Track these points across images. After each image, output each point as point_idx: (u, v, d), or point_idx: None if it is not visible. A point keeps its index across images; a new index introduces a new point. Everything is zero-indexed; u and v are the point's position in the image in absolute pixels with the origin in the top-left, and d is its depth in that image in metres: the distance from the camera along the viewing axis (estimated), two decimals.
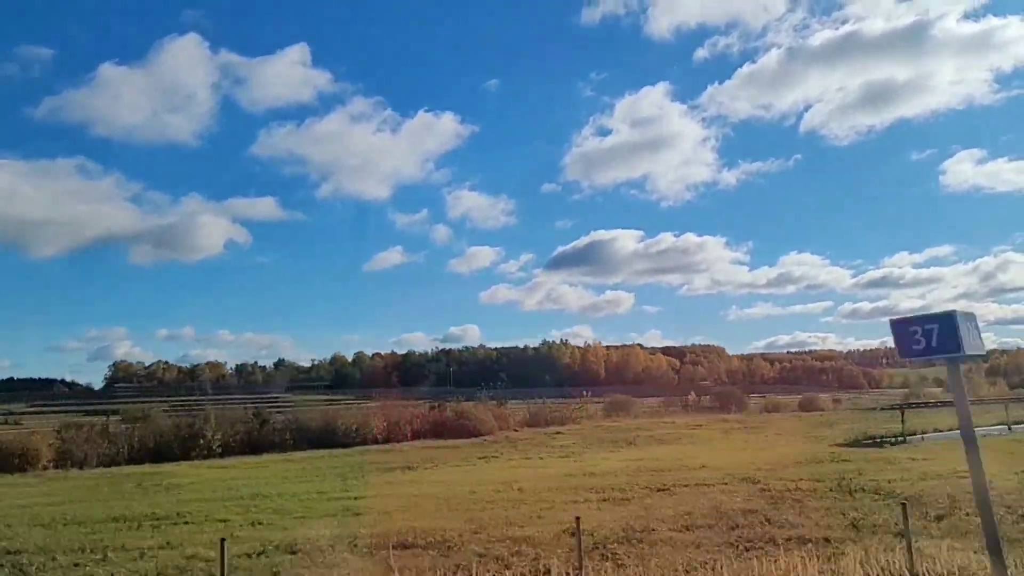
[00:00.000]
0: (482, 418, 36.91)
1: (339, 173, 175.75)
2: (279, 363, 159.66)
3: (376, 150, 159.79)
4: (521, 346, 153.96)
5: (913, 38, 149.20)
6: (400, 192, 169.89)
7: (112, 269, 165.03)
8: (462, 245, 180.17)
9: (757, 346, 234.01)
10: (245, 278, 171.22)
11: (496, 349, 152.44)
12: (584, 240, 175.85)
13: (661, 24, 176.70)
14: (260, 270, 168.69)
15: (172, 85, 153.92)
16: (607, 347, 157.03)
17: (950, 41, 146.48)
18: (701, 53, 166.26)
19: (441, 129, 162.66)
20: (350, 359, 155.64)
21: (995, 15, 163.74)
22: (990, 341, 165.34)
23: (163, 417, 33.15)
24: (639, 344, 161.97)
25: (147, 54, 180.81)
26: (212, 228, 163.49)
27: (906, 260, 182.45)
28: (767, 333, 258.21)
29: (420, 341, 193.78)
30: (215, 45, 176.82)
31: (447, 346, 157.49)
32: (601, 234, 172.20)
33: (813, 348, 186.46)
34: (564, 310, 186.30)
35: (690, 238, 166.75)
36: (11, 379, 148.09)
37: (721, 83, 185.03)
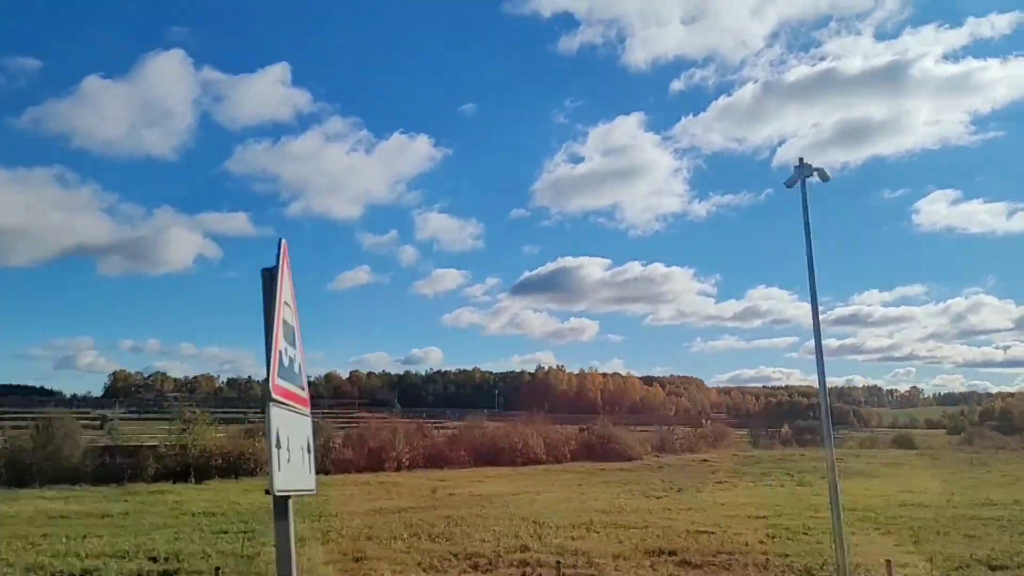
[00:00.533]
0: (629, 443, 36.99)
1: (310, 192, 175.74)
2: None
3: (349, 170, 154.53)
4: (518, 370, 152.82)
5: (891, 78, 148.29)
6: (370, 212, 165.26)
7: (82, 280, 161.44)
8: (429, 267, 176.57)
9: (720, 379, 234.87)
10: (213, 292, 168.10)
11: (492, 373, 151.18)
12: (551, 266, 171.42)
13: (638, 56, 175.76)
14: (228, 285, 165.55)
15: (153, 99, 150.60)
16: (603, 375, 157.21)
17: (928, 81, 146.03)
18: (677, 85, 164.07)
19: (415, 151, 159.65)
20: (345, 376, 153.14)
21: (974, 57, 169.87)
22: (959, 383, 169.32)
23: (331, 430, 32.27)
24: (619, 373, 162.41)
25: (132, 68, 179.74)
26: (183, 242, 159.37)
27: (876, 298, 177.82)
28: (731, 366, 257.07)
29: (382, 361, 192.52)
30: (199, 62, 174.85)
31: (412, 368, 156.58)
32: (568, 261, 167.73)
33: (777, 384, 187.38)
34: (527, 335, 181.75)
35: (657, 268, 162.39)
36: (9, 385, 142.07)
37: (696, 115, 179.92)
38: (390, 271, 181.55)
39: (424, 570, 9.59)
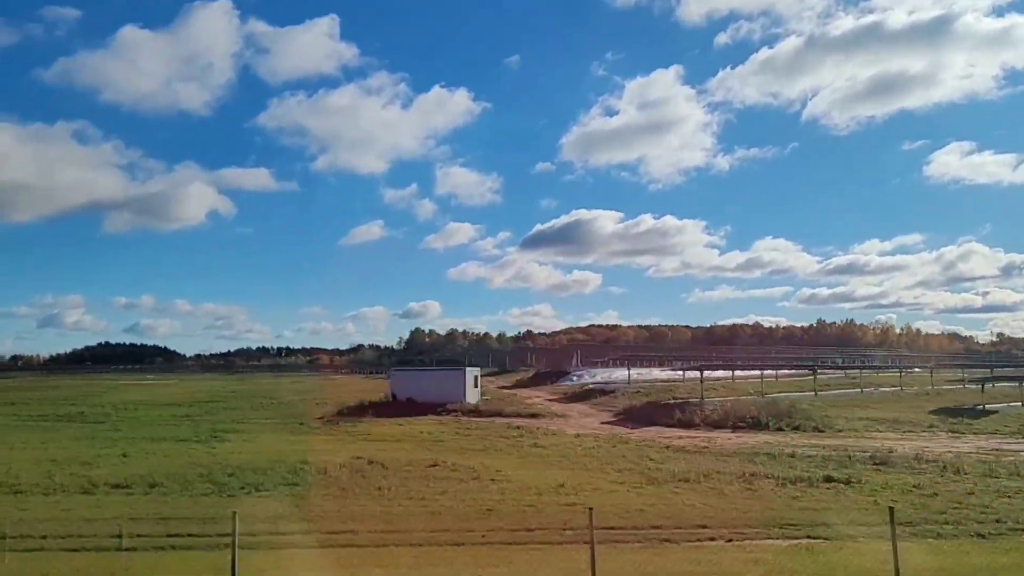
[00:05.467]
0: None
1: (339, 146, 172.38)
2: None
3: (382, 124, 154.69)
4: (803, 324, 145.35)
5: (933, 32, 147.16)
6: (395, 167, 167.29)
7: (84, 236, 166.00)
8: (445, 220, 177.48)
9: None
10: (221, 249, 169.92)
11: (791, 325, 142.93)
12: (564, 219, 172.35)
13: (693, 8, 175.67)
14: (239, 241, 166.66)
15: (193, 52, 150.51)
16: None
17: (970, 36, 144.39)
18: (722, 38, 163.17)
19: (453, 105, 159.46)
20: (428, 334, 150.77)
21: (1020, 13, 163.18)
22: (935, 328, 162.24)
23: None
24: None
25: (174, 19, 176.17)
26: (197, 198, 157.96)
27: (875, 247, 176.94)
28: (722, 315, 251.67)
29: (380, 315, 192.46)
30: (245, 13, 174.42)
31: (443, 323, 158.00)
32: (582, 214, 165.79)
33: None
34: (530, 288, 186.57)
35: (670, 221, 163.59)
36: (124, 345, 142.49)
37: (734, 68, 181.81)
38: (406, 225, 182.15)
39: None
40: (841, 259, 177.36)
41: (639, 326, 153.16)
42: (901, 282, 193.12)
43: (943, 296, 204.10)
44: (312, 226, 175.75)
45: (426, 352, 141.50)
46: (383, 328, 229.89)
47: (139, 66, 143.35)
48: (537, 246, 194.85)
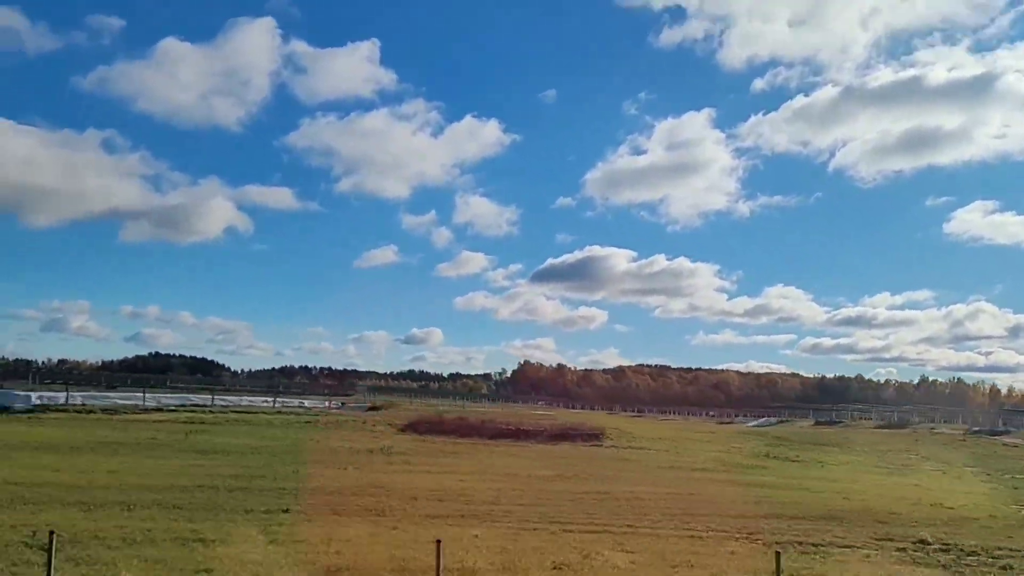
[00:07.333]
0: None
1: (365, 169, 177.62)
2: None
3: (410, 150, 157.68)
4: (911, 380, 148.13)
5: (973, 90, 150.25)
6: (417, 193, 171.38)
7: (100, 244, 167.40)
8: (459, 249, 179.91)
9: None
10: (234, 264, 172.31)
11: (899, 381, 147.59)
12: (578, 255, 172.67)
13: (734, 53, 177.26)
14: (253, 258, 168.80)
15: (231, 68, 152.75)
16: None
17: (1008, 96, 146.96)
18: (759, 84, 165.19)
19: (483, 136, 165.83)
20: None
21: None
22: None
23: None
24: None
25: (217, 33, 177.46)
26: (216, 212, 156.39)
27: (885, 301, 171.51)
28: (722, 360, 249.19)
29: (382, 340, 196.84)
30: (288, 32, 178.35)
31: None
32: (595, 250, 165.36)
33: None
34: (535, 322, 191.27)
35: (683, 263, 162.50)
36: (177, 356, 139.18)
37: (766, 114, 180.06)
38: (420, 252, 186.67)
39: None
40: (850, 311, 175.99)
41: (741, 373, 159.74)
42: (906, 336, 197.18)
43: (947, 353, 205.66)
44: (328, 247, 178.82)
45: (538, 386, 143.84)
46: (383, 352, 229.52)
47: (176, 78, 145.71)
48: (547, 280, 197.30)
